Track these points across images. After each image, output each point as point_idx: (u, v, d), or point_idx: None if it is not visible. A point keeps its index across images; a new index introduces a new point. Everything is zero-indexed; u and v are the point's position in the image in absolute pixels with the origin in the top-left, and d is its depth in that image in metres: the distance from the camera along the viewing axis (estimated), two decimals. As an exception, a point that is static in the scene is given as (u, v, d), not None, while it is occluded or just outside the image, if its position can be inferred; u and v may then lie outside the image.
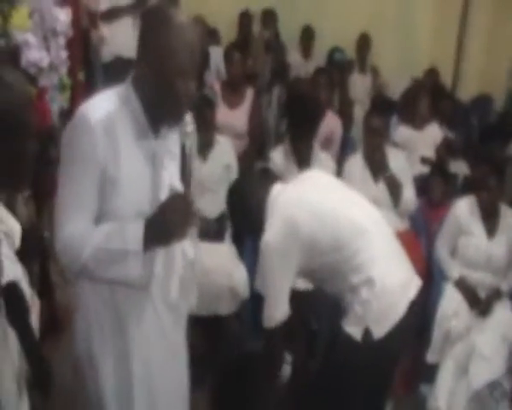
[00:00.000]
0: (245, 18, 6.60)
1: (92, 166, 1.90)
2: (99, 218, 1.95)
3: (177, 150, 2.13)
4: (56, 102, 2.97)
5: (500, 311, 2.71)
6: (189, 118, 2.12)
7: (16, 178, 1.55)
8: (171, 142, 2.11)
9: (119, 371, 2.10)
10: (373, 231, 2.50)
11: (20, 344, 1.21)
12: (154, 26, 1.92)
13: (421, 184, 4.48)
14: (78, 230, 1.88)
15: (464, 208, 3.67)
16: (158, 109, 1.99)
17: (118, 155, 1.93)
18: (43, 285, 3.43)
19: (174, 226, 1.93)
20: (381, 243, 2.48)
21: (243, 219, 2.73)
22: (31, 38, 2.98)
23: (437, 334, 3.38)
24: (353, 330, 2.41)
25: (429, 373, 3.14)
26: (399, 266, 2.52)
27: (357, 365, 2.41)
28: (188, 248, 2.23)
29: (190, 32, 1.94)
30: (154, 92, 1.96)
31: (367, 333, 2.38)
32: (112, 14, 4.96)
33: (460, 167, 5.18)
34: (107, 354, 2.08)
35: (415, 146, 5.04)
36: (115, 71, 5.06)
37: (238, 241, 4.01)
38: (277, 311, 2.48)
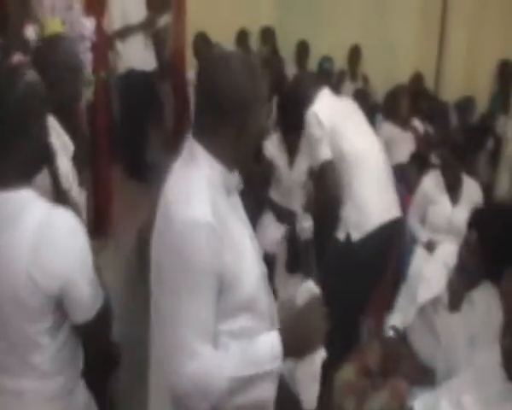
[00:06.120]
0: (242, 36, 7.15)
1: (212, 275, 1.61)
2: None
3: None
4: (84, 97, 3.55)
5: (445, 245, 3.27)
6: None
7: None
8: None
9: None
10: (368, 160, 3.33)
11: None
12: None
13: (400, 172, 5.02)
14: (205, 363, 1.61)
15: (431, 182, 4.24)
16: (234, 164, 1.76)
17: (231, 238, 1.67)
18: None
19: (315, 336, 1.73)
20: (371, 172, 3.30)
21: None
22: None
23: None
24: (339, 234, 3.32)
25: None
26: (382, 194, 3.33)
27: (343, 260, 3.30)
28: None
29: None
30: (234, 151, 1.72)
31: (348, 236, 3.29)
32: (125, 33, 5.65)
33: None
34: None
35: (398, 141, 5.58)
36: (129, 81, 5.73)
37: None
38: None
